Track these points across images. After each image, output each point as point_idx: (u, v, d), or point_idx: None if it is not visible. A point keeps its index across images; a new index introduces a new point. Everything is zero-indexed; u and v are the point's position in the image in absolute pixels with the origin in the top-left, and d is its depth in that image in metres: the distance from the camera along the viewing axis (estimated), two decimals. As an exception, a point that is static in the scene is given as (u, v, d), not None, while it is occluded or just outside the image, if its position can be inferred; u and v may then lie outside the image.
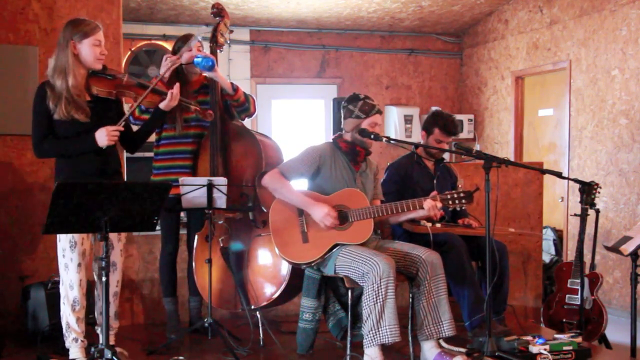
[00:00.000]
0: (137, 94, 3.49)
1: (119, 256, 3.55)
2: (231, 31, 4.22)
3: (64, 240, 3.36)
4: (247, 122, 4.65)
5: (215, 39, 4.10)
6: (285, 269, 3.83)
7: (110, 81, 3.46)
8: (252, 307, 3.87)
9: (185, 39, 4.00)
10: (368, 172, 3.76)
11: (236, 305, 3.99)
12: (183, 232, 4.18)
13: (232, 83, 4.03)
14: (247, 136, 4.07)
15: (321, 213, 3.48)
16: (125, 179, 4.62)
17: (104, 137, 3.36)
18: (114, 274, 3.52)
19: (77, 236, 3.34)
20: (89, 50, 3.37)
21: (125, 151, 3.85)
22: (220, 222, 3.92)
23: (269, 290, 3.88)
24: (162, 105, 3.55)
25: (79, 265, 3.36)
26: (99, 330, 3.59)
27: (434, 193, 3.53)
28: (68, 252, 3.35)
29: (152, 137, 4.01)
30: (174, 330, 4.05)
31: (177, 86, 3.59)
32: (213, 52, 4.10)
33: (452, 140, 4.19)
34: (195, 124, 4.02)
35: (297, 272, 3.79)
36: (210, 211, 3.74)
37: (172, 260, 4.09)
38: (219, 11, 4.16)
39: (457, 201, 3.46)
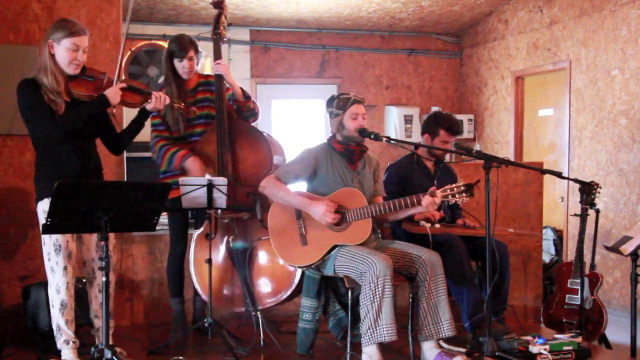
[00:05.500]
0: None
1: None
2: (230, 24, 4.19)
3: (48, 244, 3.32)
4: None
5: (219, 32, 4.07)
6: (294, 268, 3.83)
7: (91, 83, 3.40)
8: (259, 307, 3.87)
9: (180, 44, 3.94)
10: (366, 170, 3.75)
11: (235, 305, 3.99)
12: (191, 231, 4.17)
13: (243, 90, 4.03)
14: (255, 135, 4.04)
15: (320, 211, 3.47)
16: (125, 179, 4.64)
17: (117, 94, 3.35)
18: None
19: (61, 239, 3.30)
20: (64, 53, 3.31)
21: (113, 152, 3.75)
22: (226, 221, 3.91)
23: (279, 290, 3.88)
24: (148, 107, 3.52)
25: (65, 268, 3.33)
26: (93, 332, 3.59)
27: (432, 189, 3.50)
28: (53, 255, 3.32)
29: (147, 137, 4.01)
30: (180, 330, 4.05)
31: (162, 93, 3.57)
32: (216, 44, 4.07)
33: (454, 141, 4.20)
34: (201, 121, 4.01)
35: (302, 273, 3.79)
36: (210, 211, 3.74)
37: (180, 261, 4.09)
38: (219, 2, 4.10)
39: (457, 195, 3.43)
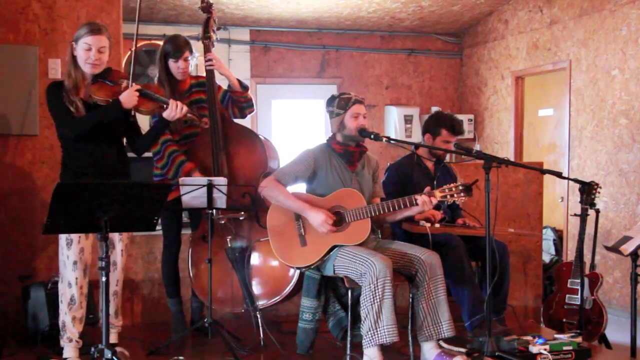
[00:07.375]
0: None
1: (120, 256, 3.56)
2: (218, 28, 4.20)
3: (62, 238, 3.39)
4: (247, 122, 4.66)
5: (209, 36, 4.07)
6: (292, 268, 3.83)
7: (110, 88, 3.42)
8: (259, 307, 3.86)
9: (176, 44, 3.92)
10: (365, 171, 3.74)
11: (234, 306, 3.99)
12: (185, 232, 4.17)
13: (240, 81, 4.03)
14: (249, 135, 4.05)
15: (318, 220, 3.47)
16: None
17: (132, 98, 3.35)
18: (114, 273, 3.52)
19: (72, 234, 3.34)
20: (80, 53, 3.38)
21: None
22: (222, 222, 3.91)
23: (278, 290, 3.88)
24: (164, 114, 3.52)
25: (75, 263, 3.37)
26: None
27: (428, 188, 3.51)
28: (65, 249, 3.38)
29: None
30: (179, 330, 4.05)
31: (179, 102, 3.54)
32: (207, 49, 4.06)
33: (455, 140, 4.20)
34: (189, 124, 4.01)
35: (301, 272, 3.79)
36: (209, 211, 3.74)
37: (175, 261, 4.09)
38: (208, 6, 4.09)
39: (455, 195, 3.42)
